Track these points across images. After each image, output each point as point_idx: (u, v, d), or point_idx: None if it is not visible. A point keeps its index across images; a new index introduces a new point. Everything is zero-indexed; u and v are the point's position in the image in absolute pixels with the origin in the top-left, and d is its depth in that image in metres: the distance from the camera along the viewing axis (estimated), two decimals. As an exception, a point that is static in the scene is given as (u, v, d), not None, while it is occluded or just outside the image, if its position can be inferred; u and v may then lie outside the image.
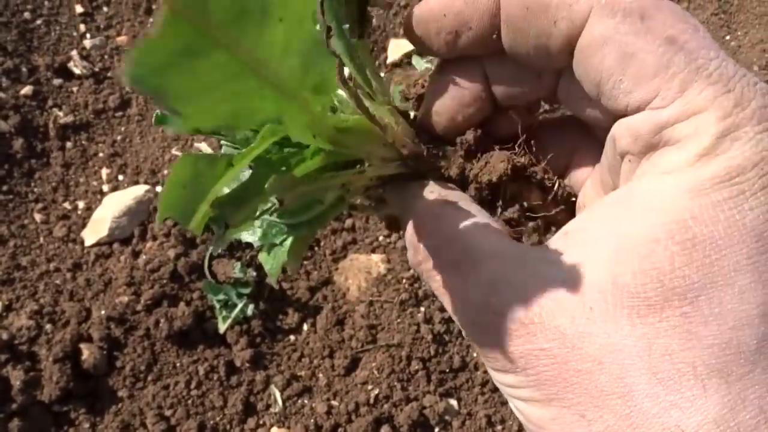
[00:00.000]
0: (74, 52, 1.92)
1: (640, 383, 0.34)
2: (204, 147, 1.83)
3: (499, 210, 0.48)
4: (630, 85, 0.37)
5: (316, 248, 1.83)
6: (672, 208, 0.35)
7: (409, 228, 0.46)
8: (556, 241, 0.40)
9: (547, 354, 0.36)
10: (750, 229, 0.34)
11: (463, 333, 0.42)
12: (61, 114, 1.85)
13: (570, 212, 0.49)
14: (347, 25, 0.41)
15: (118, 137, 1.88)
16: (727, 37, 2.32)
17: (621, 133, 0.39)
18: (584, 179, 0.49)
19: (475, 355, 1.80)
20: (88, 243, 1.73)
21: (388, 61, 1.98)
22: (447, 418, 1.74)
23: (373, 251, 1.81)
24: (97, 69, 1.93)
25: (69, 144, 1.83)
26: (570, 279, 0.37)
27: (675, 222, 0.35)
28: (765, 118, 0.35)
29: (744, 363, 0.33)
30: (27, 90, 1.82)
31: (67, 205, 1.78)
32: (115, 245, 1.73)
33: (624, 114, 0.39)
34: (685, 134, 0.36)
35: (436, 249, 0.43)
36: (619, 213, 0.37)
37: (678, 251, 0.34)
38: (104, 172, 1.82)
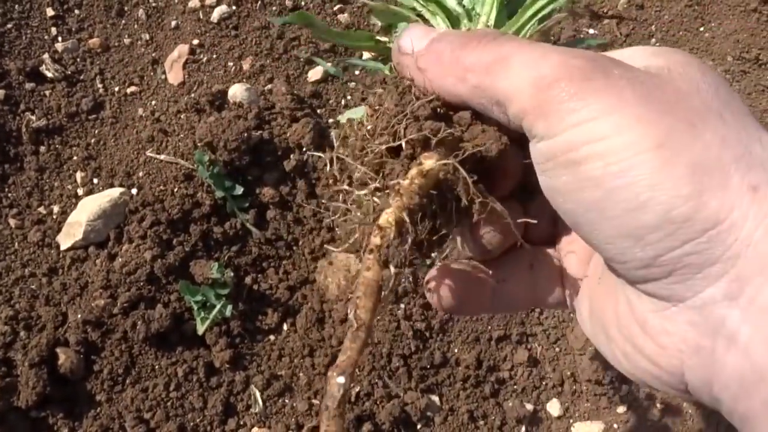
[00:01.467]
0: (46, 56, 1.91)
1: (725, 111, 0.46)
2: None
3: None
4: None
5: (294, 247, 1.82)
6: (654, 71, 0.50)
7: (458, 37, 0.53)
8: None
9: (651, 79, 0.46)
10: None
11: (536, 103, 0.47)
12: (33, 118, 1.83)
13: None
14: None
15: (92, 140, 1.86)
16: (701, 29, 2.34)
17: None
18: None
19: (456, 351, 1.80)
20: (63, 247, 1.71)
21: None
22: (429, 414, 1.74)
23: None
24: (69, 72, 1.91)
25: (42, 148, 1.82)
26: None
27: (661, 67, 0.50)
28: None
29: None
30: (-1, 94, 1.81)
31: (41, 209, 1.77)
32: (91, 249, 1.71)
33: None
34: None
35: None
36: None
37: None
38: (79, 175, 1.81)
